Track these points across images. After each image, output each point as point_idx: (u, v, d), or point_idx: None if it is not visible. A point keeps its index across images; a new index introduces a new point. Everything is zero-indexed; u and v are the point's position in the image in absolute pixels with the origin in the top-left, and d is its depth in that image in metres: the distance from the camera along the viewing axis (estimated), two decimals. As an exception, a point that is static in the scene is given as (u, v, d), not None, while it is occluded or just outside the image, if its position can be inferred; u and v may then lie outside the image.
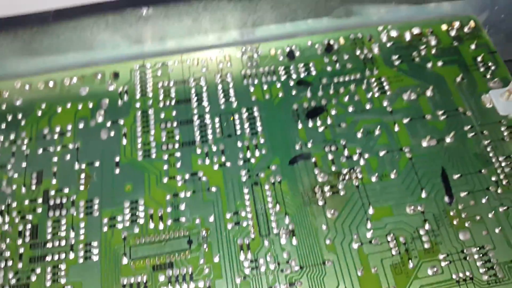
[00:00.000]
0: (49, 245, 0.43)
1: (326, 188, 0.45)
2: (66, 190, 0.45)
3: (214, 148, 0.47)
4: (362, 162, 0.46)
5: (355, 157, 0.46)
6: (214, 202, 0.44)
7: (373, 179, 0.45)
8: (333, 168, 0.46)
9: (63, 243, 0.43)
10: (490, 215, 0.43)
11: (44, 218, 0.44)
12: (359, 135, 0.47)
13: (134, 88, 0.51)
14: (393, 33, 0.54)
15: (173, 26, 0.54)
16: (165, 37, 0.54)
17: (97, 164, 0.47)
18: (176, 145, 0.48)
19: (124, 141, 0.48)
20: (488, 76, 0.51)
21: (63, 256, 0.42)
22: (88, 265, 0.42)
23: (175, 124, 0.49)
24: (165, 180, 0.46)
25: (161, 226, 0.43)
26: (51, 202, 0.45)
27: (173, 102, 0.50)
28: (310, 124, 0.48)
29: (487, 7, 0.55)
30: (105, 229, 0.43)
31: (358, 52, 0.53)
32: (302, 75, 0.52)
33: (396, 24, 0.54)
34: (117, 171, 0.46)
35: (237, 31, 0.55)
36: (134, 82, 0.51)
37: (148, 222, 0.44)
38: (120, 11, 0.52)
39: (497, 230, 0.42)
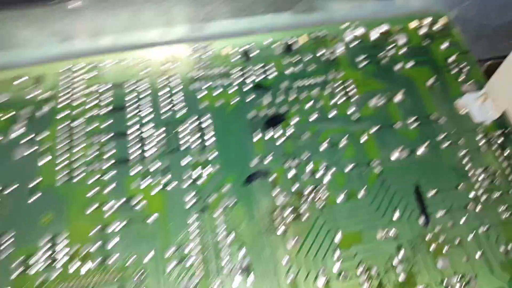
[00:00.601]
0: None
1: (287, 212, 0.39)
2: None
3: (153, 167, 0.40)
4: (327, 179, 0.41)
5: (319, 174, 0.41)
6: (153, 235, 0.38)
7: (340, 199, 0.40)
8: (295, 187, 0.40)
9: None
10: (469, 238, 0.39)
11: None
12: (323, 147, 0.42)
13: (58, 94, 0.44)
14: (360, 30, 0.49)
15: (108, 21, 0.47)
16: (99, 33, 0.47)
17: (8, 190, 0.39)
18: (107, 164, 0.41)
19: (43, 161, 0.40)
20: (461, 79, 0.47)
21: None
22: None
23: (106, 137, 0.42)
24: (91, 209, 0.38)
25: (84, 269, 0.36)
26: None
27: (104, 111, 0.43)
28: (269, 135, 0.42)
29: (456, 4, 0.51)
30: (14, 274, 0.36)
31: (321, 52, 0.47)
32: (259, 78, 0.46)
33: (362, 21, 0.50)
34: (33, 198, 0.39)
35: (184, 27, 0.49)
36: (60, 87, 0.44)
37: (68, 264, 0.36)
38: (44, 4, 0.44)
39: (477, 256, 0.38)
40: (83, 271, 0.36)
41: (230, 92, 0.45)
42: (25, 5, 0.45)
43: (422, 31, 0.49)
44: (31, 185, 0.39)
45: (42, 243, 0.37)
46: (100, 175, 0.40)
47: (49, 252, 0.37)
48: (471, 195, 0.40)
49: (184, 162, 0.41)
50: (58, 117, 0.43)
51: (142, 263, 0.37)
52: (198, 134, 0.42)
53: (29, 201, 0.39)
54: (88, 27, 0.47)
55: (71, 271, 0.36)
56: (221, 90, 0.45)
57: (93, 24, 0.47)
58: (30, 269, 0.36)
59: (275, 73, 0.46)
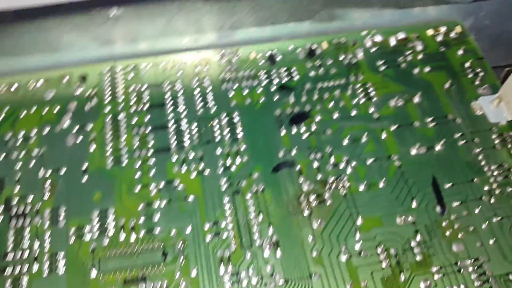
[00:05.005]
0: (9, 256, 0.39)
1: (312, 197, 0.42)
2: (30, 199, 0.41)
3: (191, 155, 0.44)
4: (349, 170, 0.43)
5: (341, 165, 0.44)
6: (192, 212, 0.41)
7: (361, 188, 0.42)
8: (319, 177, 0.43)
9: (25, 254, 0.39)
10: (483, 226, 0.41)
11: (5, 228, 0.40)
12: (345, 142, 0.45)
13: (103, 91, 0.48)
14: (378, 38, 0.52)
15: (145, 27, 0.51)
16: (137, 38, 0.51)
17: (63, 171, 0.43)
18: (150, 152, 0.44)
19: (93, 147, 0.44)
20: (477, 83, 0.49)
21: (25, 268, 0.38)
22: (53, 278, 0.38)
23: (148, 129, 0.45)
24: (138, 188, 0.42)
25: (133, 237, 0.40)
26: (13, 211, 0.41)
27: (146, 107, 0.47)
28: (294, 130, 0.45)
29: (472, 13, 0.54)
30: (72, 240, 0.40)
31: (341, 57, 0.51)
32: (284, 80, 0.49)
33: (380, 29, 0.53)
34: (85, 178, 0.43)
35: (214, 34, 0.52)
36: (103, 85, 0.48)
37: (118, 233, 0.40)
38: (87, 11, 0.49)
39: (491, 242, 0.40)
40: (131, 239, 0.39)
41: (257, 92, 0.48)
42: (70, 13, 0.49)
43: (439, 39, 0.52)
44: (83, 168, 0.43)
45: (94, 215, 0.41)
46: (144, 161, 0.44)
47: (101, 223, 0.40)
48: (486, 188, 0.43)
49: (218, 152, 0.44)
50: (104, 111, 0.47)
51: (183, 235, 0.40)
52: (229, 128, 0.46)
53: (82, 181, 0.42)
54: (126, 33, 0.51)
55: (121, 239, 0.40)
56: (248, 90, 0.48)
57: (131, 30, 0.51)
58: (85, 236, 0.40)
59: (299, 76, 0.49)
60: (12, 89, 0.48)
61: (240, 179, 0.43)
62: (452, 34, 0.53)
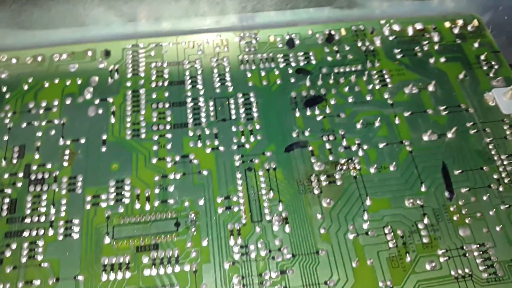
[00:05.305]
0: (27, 220, 0.40)
1: (323, 177, 0.43)
2: (49, 166, 0.43)
3: (207, 131, 0.45)
4: (360, 153, 0.44)
5: (353, 148, 0.44)
6: (205, 185, 0.42)
7: (372, 170, 0.43)
8: (331, 158, 0.44)
9: (42, 219, 0.40)
10: (491, 213, 0.41)
11: (24, 193, 0.42)
12: (358, 126, 0.46)
13: (126, 67, 0.49)
14: (396, 27, 0.53)
15: (169, 7, 0.52)
16: (161, 17, 0.52)
17: (83, 141, 0.44)
18: (168, 126, 0.45)
19: (113, 120, 0.46)
20: (491, 75, 0.50)
21: (41, 232, 0.40)
22: (68, 242, 0.40)
23: (167, 105, 0.47)
24: (154, 160, 0.43)
25: (147, 207, 0.41)
26: (32, 177, 0.42)
27: (166, 83, 0.48)
28: (308, 112, 0.46)
29: (491, 7, 0.54)
30: (88, 207, 0.41)
31: (359, 44, 0.51)
32: (301, 64, 0.50)
33: (398, 19, 0.53)
34: (104, 149, 0.44)
35: (236, 16, 0.53)
36: (126, 61, 0.50)
37: (134, 202, 0.41)
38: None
39: (497, 228, 0.41)
40: (146, 207, 0.41)
41: (274, 74, 0.49)
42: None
43: (455, 31, 0.53)
44: (103, 138, 0.45)
45: (111, 185, 0.42)
46: (162, 134, 0.45)
47: (117, 193, 0.42)
48: (495, 176, 0.43)
49: (233, 129, 0.45)
50: (125, 85, 0.48)
51: (196, 206, 0.41)
52: (245, 108, 0.47)
53: (101, 151, 0.44)
54: (151, 12, 0.52)
55: (136, 207, 0.41)
56: (266, 72, 0.49)
57: (156, 9, 0.52)
58: (101, 203, 0.41)
59: (316, 60, 0.50)
60: (37, 61, 0.49)
61: (253, 157, 0.44)
62: (469, 28, 0.53)
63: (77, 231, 0.40)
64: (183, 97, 0.47)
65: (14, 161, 0.43)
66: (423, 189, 0.42)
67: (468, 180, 0.43)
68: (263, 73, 0.49)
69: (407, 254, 0.39)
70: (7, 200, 0.41)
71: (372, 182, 0.43)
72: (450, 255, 0.39)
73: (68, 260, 0.39)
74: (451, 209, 0.42)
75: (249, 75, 0.49)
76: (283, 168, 0.43)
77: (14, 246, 0.39)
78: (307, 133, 0.45)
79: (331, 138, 0.45)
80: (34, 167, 0.43)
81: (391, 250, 0.40)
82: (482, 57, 0.51)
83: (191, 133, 0.45)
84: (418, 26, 0.53)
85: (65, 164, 0.43)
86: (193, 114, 0.46)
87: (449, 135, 0.45)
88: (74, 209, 0.41)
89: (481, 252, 0.40)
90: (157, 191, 0.42)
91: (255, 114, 0.46)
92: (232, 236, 0.40)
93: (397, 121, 0.46)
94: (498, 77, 0.49)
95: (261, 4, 0.52)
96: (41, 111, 0.46)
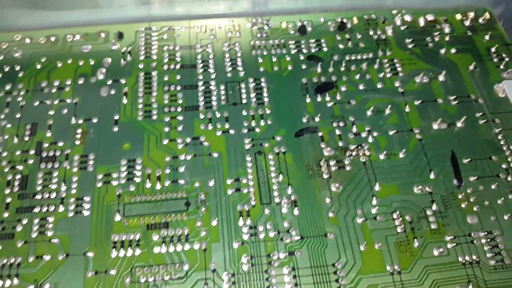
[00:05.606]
0: (38, 196, 0.41)
1: (332, 162, 0.43)
2: (61, 144, 0.43)
3: (218, 115, 0.45)
4: (370, 140, 0.44)
5: (363, 134, 0.45)
6: (215, 167, 0.43)
7: (381, 157, 0.43)
8: (340, 144, 0.44)
9: (53, 195, 0.41)
10: (499, 202, 0.42)
11: (35, 170, 0.42)
12: (368, 113, 0.46)
13: (138, 49, 0.49)
14: (407, 18, 0.53)
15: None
16: (174, 1, 0.53)
17: (95, 120, 0.45)
18: (179, 109, 0.46)
19: (125, 100, 0.46)
20: (502, 67, 0.50)
21: (52, 208, 0.40)
22: (78, 219, 0.40)
23: (178, 88, 0.47)
24: (165, 141, 0.44)
25: (158, 186, 0.41)
26: (44, 154, 0.43)
27: (178, 66, 0.48)
28: (319, 98, 0.47)
29: (503, 0, 0.54)
30: (99, 184, 0.41)
31: (371, 33, 0.52)
32: (313, 51, 0.50)
33: (410, 9, 0.53)
34: (116, 129, 0.44)
35: (248, 2, 0.54)
36: (139, 43, 0.50)
37: (145, 181, 0.42)
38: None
39: (506, 217, 0.41)
40: (157, 187, 0.41)
41: (285, 60, 0.49)
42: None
43: (466, 23, 0.53)
44: (115, 118, 0.45)
45: (122, 164, 0.42)
46: (174, 116, 0.45)
47: (128, 172, 0.42)
48: (503, 166, 0.43)
49: (244, 113, 0.46)
50: (137, 67, 0.48)
51: (206, 187, 0.41)
52: (256, 93, 0.47)
53: (113, 131, 0.44)
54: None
55: (147, 186, 0.41)
56: (277, 58, 0.50)
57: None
58: (112, 182, 0.42)
59: (328, 47, 0.50)
60: (50, 42, 0.49)
61: (263, 141, 0.44)
62: (481, 20, 0.53)
63: (87, 208, 0.40)
64: (194, 80, 0.48)
65: (26, 138, 0.43)
66: (432, 176, 0.43)
67: (476, 169, 0.43)
68: (274, 59, 0.49)
69: (415, 240, 0.39)
70: (18, 176, 0.42)
71: (382, 169, 0.43)
72: (458, 241, 0.40)
73: (78, 236, 0.39)
74: (460, 196, 0.42)
75: (260, 60, 0.49)
76: (293, 152, 0.44)
77: (25, 221, 0.40)
78: (317, 119, 0.45)
79: (341, 124, 0.45)
80: (46, 145, 0.43)
81: (399, 235, 0.40)
82: (493, 49, 0.51)
83: (202, 116, 0.45)
84: (430, 17, 0.53)
85: (77, 142, 0.43)
86: (204, 98, 0.46)
87: (459, 124, 0.45)
88: (85, 186, 0.41)
89: (488, 240, 0.40)
90: (168, 171, 0.42)
91: (266, 99, 0.47)
92: (241, 217, 0.40)
93: (407, 109, 0.46)
94: (509, 69, 0.49)
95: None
96: (54, 90, 0.46)
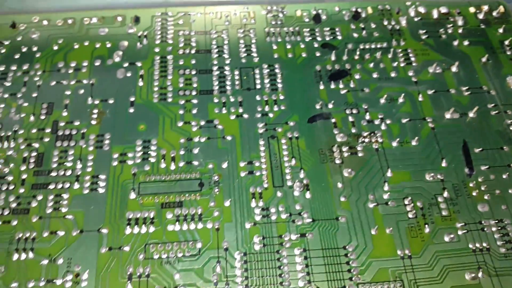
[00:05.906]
0: (53, 173, 0.41)
1: (345, 148, 0.43)
2: (77, 123, 0.44)
3: (232, 99, 0.46)
4: (383, 127, 0.45)
5: (376, 122, 0.45)
6: (229, 150, 0.43)
7: (394, 144, 0.44)
8: (353, 130, 0.44)
9: (68, 173, 0.41)
10: (510, 191, 0.42)
11: (51, 147, 0.43)
12: (382, 101, 0.46)
13: (154, 33, 0.50)
14: (421, 9, 0.53)
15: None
16: (190, -13, 0.53)
17: (111, 101, 0.45)
18: (194, 92, 0.46)
19: (141, 83, 0.46)
20: (514, 60, 0.50)
21: (67, 185, 0.41)
22: (93, 196, 0.40)
23: (193, 72, 0.47)
24: (180, 124, 0.44)
25: (172, 166, 0.42)
26: (60, 133, 0.43)
27: (193, 51, 0.49)
28: (333, 86, 0.47)
29: (517, -6, 0.55)
30: (115, 163, 0.42)
31: (385, 23, 0.52)
32: (327, 39, 0.50)
33: (424, 1, 0.54)
34: (132, 110, 0.45)
35: (264, -11, 0.54)
36: (155, 28, 0.50)
37: (159, 162, 0.42)
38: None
39: (516, 206, 0.41)
40: (172, 167, 0.42)
41: (300, 47, 0.50)
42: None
43: (480, 16, 0.53)
44: (131, 99, 0.45)
45: (138, 144, 0.43)
46: (188, 100, 0.46)
47: (144, 152, 0.43)
48: (515, 156, 0.44)
49: (257, 98, 0.46)
50: (154, 50, 0.49)
51: (219, 169, 0.42)
52: (270, 79, 0.47)
53: (128, 112, 0.45)
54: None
55: (162, 166, 0.42)
56: (291, 45, 0.50)
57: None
58: (128, 161, 0.42)
59: (342, 36, 0.51)
60: (68, 24, 0.50)
61: (276, 126, 0.44)
62: (494, 13, 0.53)
63: (103, 186, 0.41)
64: (209, 65, 0.48)
65: (42, 117, 0.44)
66: (443, 164, 0.43)
67: (488, 158, 0.44)
68: (288, 46, 0.50)
69: (426, 226, 0.40)
70: (34, 153, 0.42)
71: (394, 156, 0.43)
72: (469, 228, 0.40)
73: (92, 213, 0.40)
74: (471, 185, 0.42)
75: (274, 47, 0.50)
76: (306, 137, 0.44)
77: (40, 197, 0.40)
78: (330, 106, 0.46)
79: (354, 111, 0.45)
80: (62, 124, 0.44)
81: (410, 220, 0.40)
82: (506, 42, 0.51)
83: (216, 100, 0.46)
84: (443, 9, 0.53)
85: (93, 122, 0.44)
86: (219, 82, 0.47)
87: (471, 114, 0.46)
88: (101, 165, 0.42)
89: (499, 228, 0.40)
90: (182, 152, 0.42)
91: (279, 85, 0.47)
92: (253, 199, 0.40)
93: (420, 98, 0.46)
94: (522, 62, 0.50)
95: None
96: (70, 71, 0.47)
